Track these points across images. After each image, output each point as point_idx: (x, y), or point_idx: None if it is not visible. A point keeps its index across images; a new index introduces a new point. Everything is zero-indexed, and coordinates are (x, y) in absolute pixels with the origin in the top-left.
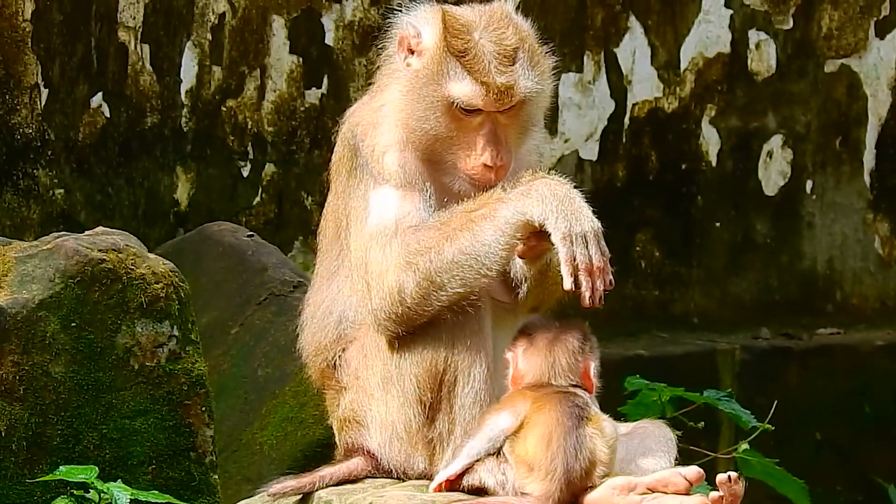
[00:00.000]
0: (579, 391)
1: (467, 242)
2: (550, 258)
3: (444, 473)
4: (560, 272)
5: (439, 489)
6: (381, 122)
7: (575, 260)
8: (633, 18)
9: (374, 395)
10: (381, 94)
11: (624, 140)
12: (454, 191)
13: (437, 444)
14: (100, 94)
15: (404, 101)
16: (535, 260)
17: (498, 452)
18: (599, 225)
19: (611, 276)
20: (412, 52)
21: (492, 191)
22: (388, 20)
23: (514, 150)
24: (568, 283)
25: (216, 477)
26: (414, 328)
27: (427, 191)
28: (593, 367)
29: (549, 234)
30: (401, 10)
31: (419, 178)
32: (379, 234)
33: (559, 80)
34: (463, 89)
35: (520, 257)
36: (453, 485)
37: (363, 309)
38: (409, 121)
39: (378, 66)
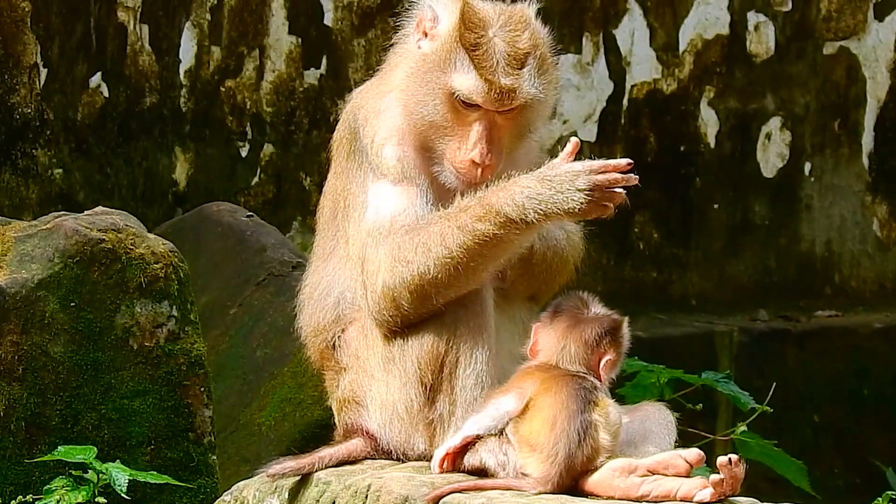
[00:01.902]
0: (589, 375)
1: (456, 242)
2: (533, 245)
3: (444, 447)
4: (548, 260)
5: (441, 464)
6: (384, 109)
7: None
8: (632, 0)
9: (374, 376)
10: (388, 77)
11: (623, 122)
12: (444, 183)
13: (438, 425)
14: (99, 73)
15: (407, 82)
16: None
17: (501, 433)
18: (585, 165)
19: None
20: (426, 36)
21: (483, 190)
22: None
23: (506, 153)
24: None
25: (215, 457)
26: (411, 323)
27: (423, 184)
28: (607, 360)
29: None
30: None
31: (416, 171)
32: (374, 232)
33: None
34: (466, 82)
35: None
36: (455, 463)
37: (361, 303)
38: (409, 103)
39: (392, 44)
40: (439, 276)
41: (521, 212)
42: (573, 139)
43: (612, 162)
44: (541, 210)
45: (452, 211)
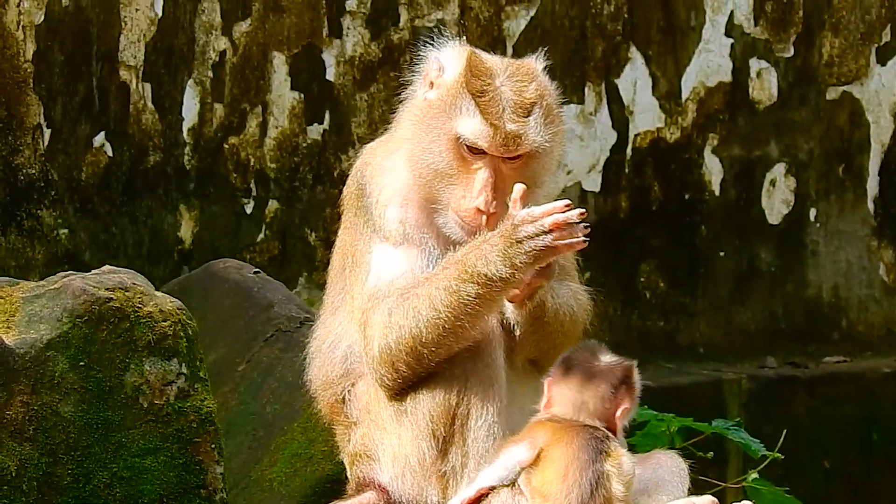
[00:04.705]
0: (600, 426)
1: (443, 303)
2: (544, 301)
3: (458, 498)
4: (560, 319)
5: None
6: (390, 167)
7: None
8: (633, 49)
9: (386, 429)
10: (395, 133)
11: (626, 171)
12: (449, 237)
13: (450, 477)
14: (102, 133)
15: (413, 130)
16: (522, 302)
17: (513, 484)
18: (530, 212)
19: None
20: (432, 86)
21: (462, 248)
22: (418, 53)
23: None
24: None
25: None
26: (412, 383)
27: (426, 244)
28: (623, 409)
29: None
30: (432, 46)
31: (418, 231)
32: (373, 297)
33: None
34: (471, 127)
35: (508, 301)
36: None
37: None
38: (414, 151)
39: (399, 101)
40: (431, 337)
41: (495, 268)
42: (518, 186)
43: (551, 205)
44: (510, 263)
45: (438, 272)
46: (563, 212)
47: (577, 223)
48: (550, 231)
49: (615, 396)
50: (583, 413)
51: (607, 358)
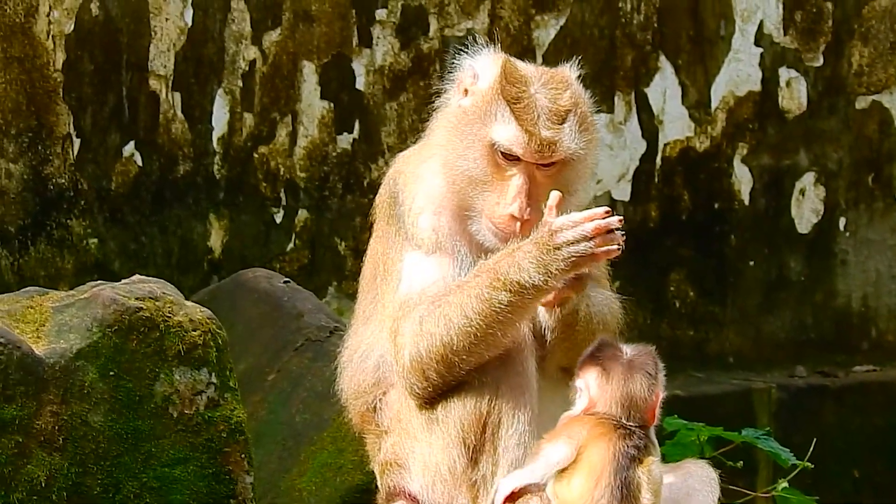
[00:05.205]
0: (636, 429)
1: (475, 310)
2: (577, 308)
3: (511, 482)
4: (592, 326)
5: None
6: (423, 175)
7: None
8: (662, 58)
9: (417, 438)
10: (429, 141)
11: (656, 180)
12: (482, 244)
13: (481, 486)
14: (132, 142)
15: (447, 137)
16: (552, 307)
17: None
18: (569, 219)
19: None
20: (466, 94)
21: (494, 255)
22: (451, 62)
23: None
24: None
25: None
26: (442, 391)
27: (459, 252)
28: (660, 399)
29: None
30: (466, 54)
31: (451, 239)
32: (404, 305)
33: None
34: (506, 133)
35: (542, 306)
36: None
37: (394, 374)
38: (448, 158)
39: (433, 109)
40: (462, 345)
41: (528, 276)
42: (554, 193)
43: (591, 211)
44: (544, 270)
45: (469, 279)
46: (604, 218)
47: (616, 230)
48: (591, 237)
49: (656, 385)
50: (631, 407)
51: (630, 349)
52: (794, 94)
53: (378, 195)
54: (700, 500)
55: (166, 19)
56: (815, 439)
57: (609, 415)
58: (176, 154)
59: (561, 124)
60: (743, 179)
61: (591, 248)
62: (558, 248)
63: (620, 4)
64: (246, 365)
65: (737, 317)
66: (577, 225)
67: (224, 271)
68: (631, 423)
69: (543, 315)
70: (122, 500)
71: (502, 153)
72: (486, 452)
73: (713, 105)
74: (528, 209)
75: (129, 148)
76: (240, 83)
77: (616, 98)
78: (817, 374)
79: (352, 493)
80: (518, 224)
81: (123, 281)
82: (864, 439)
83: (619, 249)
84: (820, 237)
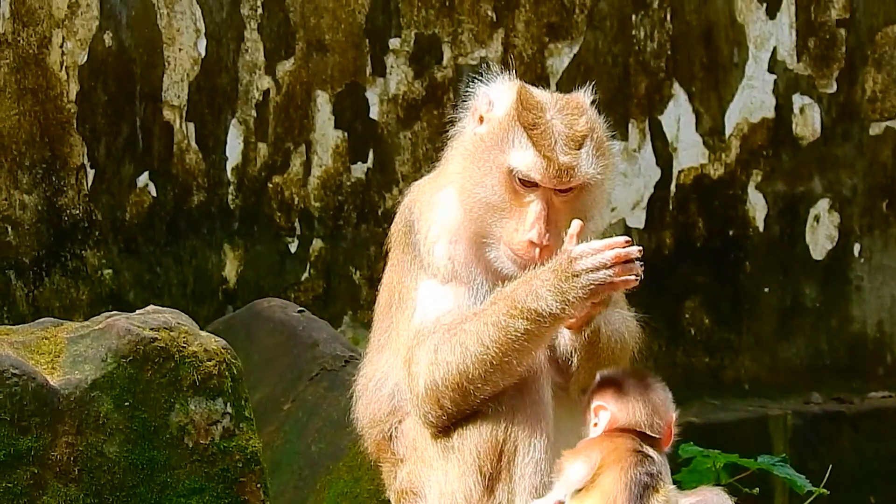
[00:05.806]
0: (653, 453)
1: (491, 338)
2: (598, 327)
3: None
4: (612, 346)
5: None
6: (439, 203)
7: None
8: (676, 85)
9: (433, 466)
10: (444, 169)
11: (671, 207)
12: (499, 272)
13: None
14: (146, 173)
15: (464, 164)
16: (580, 328)
17: None
18: (589, 246)
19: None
20: (481, 121)
21: (510, 283)
22: (465, 90)
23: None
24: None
25: None
26: (456, 420)
27: (475, 280)
28: (674, 420)
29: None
30: (481, 81)
31: (467, 267)
32: (419, 333)
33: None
34: (524, 159)
35: (566, 328)
36: None
37: (408, 403)
38: (465, 186)
39: (448, 138)
40: (478, 373)
41: (545, 304)
42: (575, 221)
43: (612, 240)
44: (562, 298)
45: (486, 307)
46: (624, 247)
47: (635, 259)
48: (611, 266)
49: (670, 396)
50: (654, 414)
51: (636, 371)
52: (808, 121)
53: (393, 224)
54: None
55: (180, 49)
56: (830, 466)
57: (633, 425)
58: (190, 184)
59: (578, 149)
60: (757, 206)
61: (610, 276)
62: (577, 276)
63: (634, 32)
64: (261, 394)
65: (752, 343)
66: (597, 253)
67: (239, 301)
68: (647, 446)
69: (566, 338)
70: None
71: (520, 179)
72: (503, 480)
73: (727, 132)
74: (547, 235)
75: (144, 178)
76: (254, 113)
77: (630, 125)
78: (833, 401)
79: None
80: (537, 250)
81: (138, 311)
82: (880, 465)
83: (637, 279)
84: (834, 263)
